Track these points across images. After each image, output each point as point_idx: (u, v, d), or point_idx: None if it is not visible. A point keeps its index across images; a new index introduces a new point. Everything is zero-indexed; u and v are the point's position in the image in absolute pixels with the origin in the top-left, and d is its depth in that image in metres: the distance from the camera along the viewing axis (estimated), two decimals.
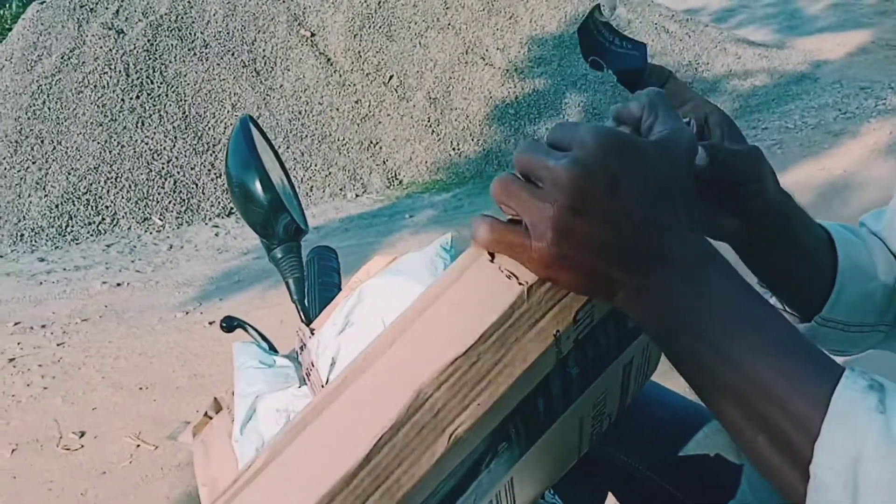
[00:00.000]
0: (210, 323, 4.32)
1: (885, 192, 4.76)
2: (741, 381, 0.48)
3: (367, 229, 5.99)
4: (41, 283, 5.30)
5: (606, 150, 0.50)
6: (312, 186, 6.80)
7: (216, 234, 6.20)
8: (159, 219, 6.37)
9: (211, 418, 0.98)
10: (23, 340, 4.26)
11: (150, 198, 6.51)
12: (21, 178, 6.52)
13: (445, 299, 0.55)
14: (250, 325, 1.07)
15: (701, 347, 0.50)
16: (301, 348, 0.87)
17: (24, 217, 6.29)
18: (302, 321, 0.94)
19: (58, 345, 4.19)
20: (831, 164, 5.54)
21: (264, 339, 1.04)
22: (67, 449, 3.23)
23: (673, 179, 0.52)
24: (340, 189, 6.84)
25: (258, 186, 0.93)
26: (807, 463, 0.45)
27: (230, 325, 1.07)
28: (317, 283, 1.05)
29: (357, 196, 6.81)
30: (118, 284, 5.16)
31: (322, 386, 0.80)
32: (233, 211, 6.48)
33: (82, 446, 3.24)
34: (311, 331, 0.88)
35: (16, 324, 4.50)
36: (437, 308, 0.55)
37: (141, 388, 3.67)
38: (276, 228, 0.95)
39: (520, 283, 0.53)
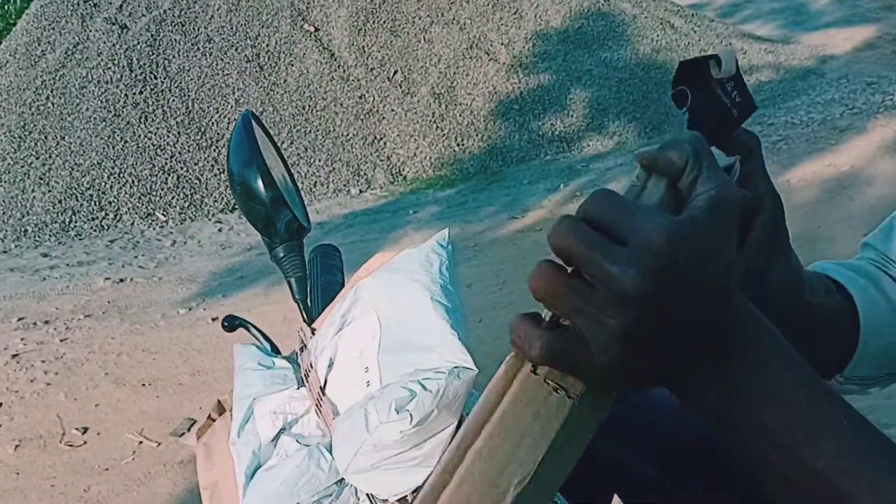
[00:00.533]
0: (213, 319, 4.31)
1: (891, 189, 4.73)
2: (809, 479, 0.47)
3: (371, 225, 5.98)
4: (44, 278, 5.29)
5: (677, 251, 0.44)
6: (316, 182, 6.79)
7: (219, 230, 6.20)
8: (162, 214, 6.37)
9: (214, 420, 0.96)
10: (26, 336, 4.25)
11: (154, 193, 6.51)
12: (24, 174, 6.52)
13: (494, 427, 0.50)
14: (252, 325, 1.05)
15: (762, 440, 0.48)
16: (301, 349, 0.86)
17: (27, 212, 6.29)
18: (304, 321, 0.92)
19: (61, 341, 4.18)
20: (837, 160, 5.51)
21: (266, 339, 1.03)
22: (70, 445, 3.22)
23: (727, 249, 0.47)
24: (344, 185, 6.83)
25: (260, 184, 0.91)
26: None
27: (232, 324, 1.06)
28: (319, 282, 1.03)
29: (361, 192, 6.79)
30: (121, 280, 5.16)
31: (320, 387, 0.78)
32: (236, 207, 6.48)
33: (85, 442, 3.24)
34: (313, 330, 0.87)
35: (19, 319, 4.50)
36: (487, 439, 0.50)
37: (144, 385, 3.66)
38: (279, 226, 0.94)
39: (570, 397, 0.49)
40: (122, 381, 3.72)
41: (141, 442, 3.20)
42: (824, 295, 0.74)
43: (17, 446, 3.21)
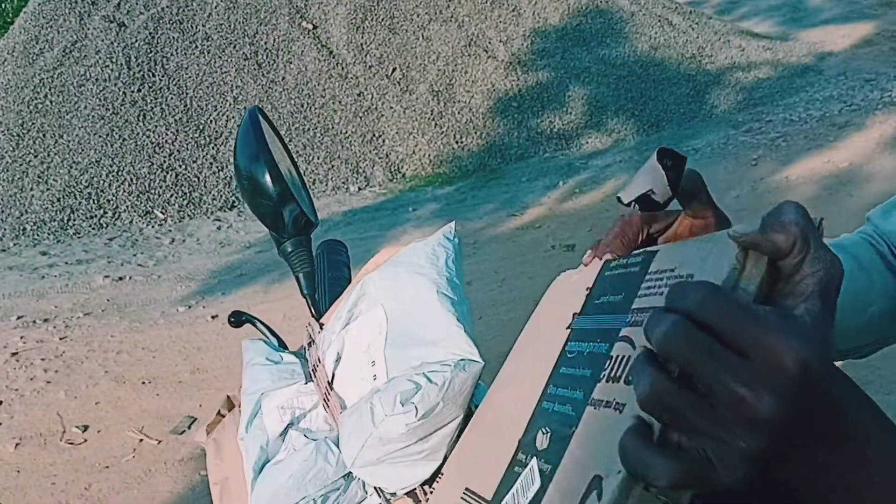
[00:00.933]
0: (213, 317, 4.31)
1: (890, 185, 4.73)
2: None
3: (370, 223, 5.97)
4: (43, 276, 5.29)
5: (809, 371, 0.41)
6: (315, 180, 6.78)
7: (218, 228, 6.19)
8: (161, 212, 6.36)
9: (223, 416, 0.96)
10: (26, 334, 4.25)
11: (152, 191, 6.50)
12: (23, 172, 6.51)
13: None
14: (259, 321, 1.05)
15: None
16: (309, 344, 0.85)
17: (26, 211, 6.28)
18: (312, 316, 0.92)
19: (60, 339, 4.18)
20: (836, 157, 5.51)
21: (273, 334, 1.03)
22: (71, 443, 3.22)
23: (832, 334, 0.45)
24: (343, 182, 6.83)
25: (268, 179, 0.91)
26: None
27: (238, 319, 1.05)
28: (326, 278, 1.03)
29: (360, 189, 6.79)
30: (120, 278, 5.15)
31: (328, 382, 0.78)
32: (235, 204, 6.47)
33: (85, 440, 3.23)
34: (321, 325, 0.87)
35: (19, 318, 4.49)
36: None
37: (144, 383, 3.66)
38: (286, 221, 0.93)
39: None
40: (122, 379, 3.71)
41: (141, 440, 3.20)
42: None
43: (17, 444, 3.20)
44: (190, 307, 4.55)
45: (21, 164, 6.56)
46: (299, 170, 1.02)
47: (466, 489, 0.68)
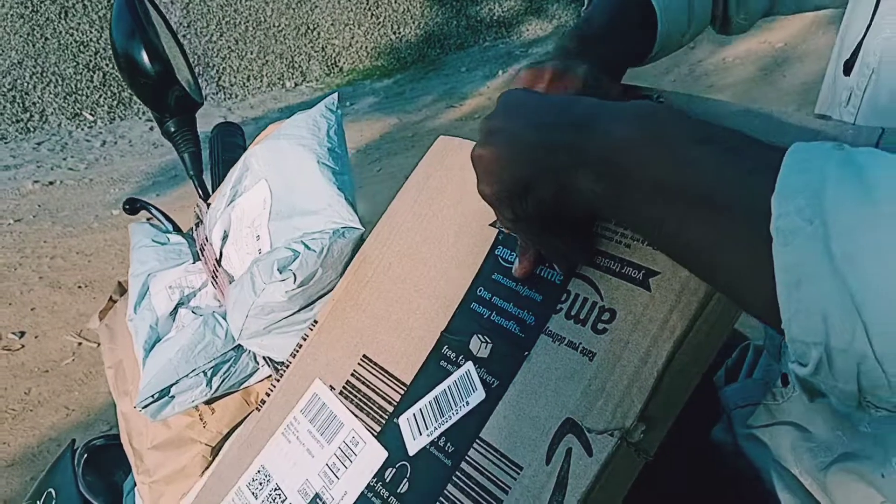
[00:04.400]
0: (147, 220, 4.23)
1: (822, 64, 4.76)
2: (693, 208, 0.44)
3: None
4: None
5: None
6: (249, 76, 6.59)
7: (150, 129, 6.01)
8: (90, 114, 6.14)
9: (115, 302, 0.96)
10: None
11: (80, 92, 6.26)
12: None
13: None
14: (153, 206, 1.03)
15: (649, 187, 0.47)
16: (197, 224, 0.84)
17: None
18: (199, 196, 0.91)
19: None
20: (772, 38, 5.52)
21: (168, 219, 1.01)
22: (8, 349, 3.19)
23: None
24: (279, 78, 6.64)
25: (145, 57, 0.88)
26: (767, 245, 0.39)
27: (133, 206, 1.04)
28: (220, 160, 1.02)
29: (296, 85, 6.62)
30: (51, 183, 5.01)
31: (216, 260, 0.78)
32: None
33: (23, 346, 3.21)
34: (208, 206, 0.85)
35: None
36: None
37: (80, 287, 3.61)
38: (168, 101, 0.91)
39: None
40: (58, 284, 3.66)
41: (80, 343, 3.18)
42: None
43: None
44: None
45: None
46: (184, 49, 0.98)
47: (365, 356, 0.68)
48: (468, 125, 5.22)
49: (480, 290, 0.65)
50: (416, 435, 0.62)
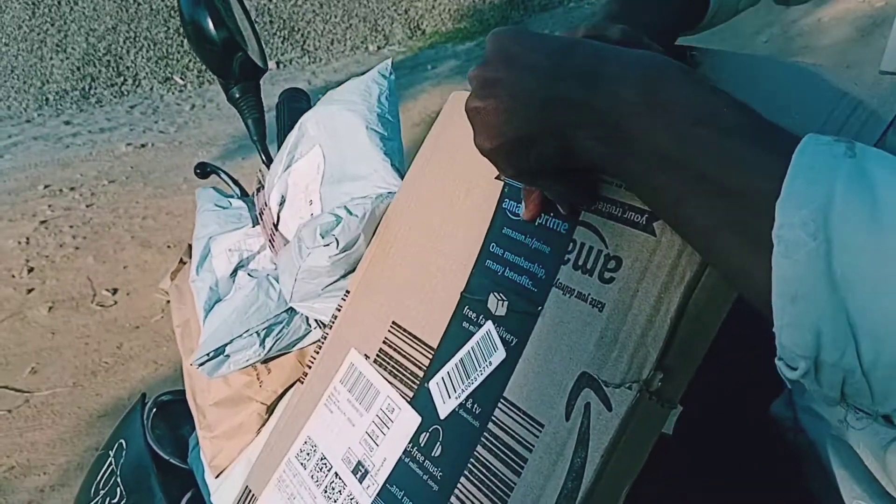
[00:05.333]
0: (235, 182, 4.35)
1: None
2: (694, 185, 0.44)
3: None
4: (68, 146, 5.34)
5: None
6: (333, 40, 6.64)
7: None
8: (180, 78, 6.31)
9: (185, 263, 0.99)
10: (53, 203, 4.34)
11: (171, 57, 6.43)
12: (41, 41, 6.46)
13: None
14: (223, 171, 1.06)
15: (650, 156, 0.46)
16: (258, 189, 0.86)
17: (47, 80, 6.27)
18: (263, 162, 0.93)
19: (87, 206, 4.26)
20: None
21: (236, 183, 1.04)
22: (101, 305, 3.34)
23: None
24: (362, 41, 6.68)
25: (210, 24, 0.90)
26: (768, 247, 0.39)
27: (204, 171, 1.07)
28: (287, 126, 1.03)
29: (379, 48, 6.65)
30: (142, 145, 5.19)
31: (274, 224, 0.79)
32: None
33: (115, 303, 3.35)
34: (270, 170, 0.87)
35: (45, 186, 4.58)
36: None
37: (169, 247, 3.75)
38: (233, 67, 0.93)
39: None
40: (148, 244, 3.80)
41: (169, 301, 3.30)
42: None
43: (50, 308, 3.34)
44: None
45: (39, 34, 6.50)
46: (249, 15, 1.00)
47: (394, 323, 0.70)
48: None
49: (493, 247, 0.65)
50: (446, 398, 0.63)
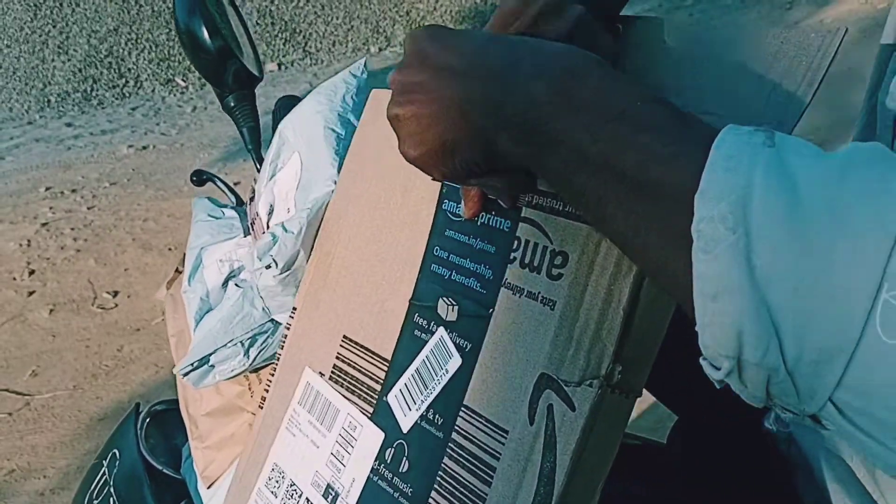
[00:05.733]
0: (235, 184, 4.34)
1: None
2: (614, 184, 0.43)
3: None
4: (69, 147, 5.35)
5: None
6: (335, 41, 6.65)
7: None
8: (182, 80, 6.32)
9: (180, 272, 0.99)
10: (54, 205, 4.35)
11: (172, 59, 6.44)
12: (43, 43, 6.47)
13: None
14: (218, 178, 1.06)
15: (568, 155, 0.45)
16: (251, 199, 0.86)
17: (49, 82, 6.28)
18: (257, 170, 0.93)
19: (88, 208, 4.27)
20: None
21: (232, 192, 1.04)
22: (102, 308, 3.34)
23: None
24: (363, 43, 6.68)
25: (205, 32, 0.90)
26: (687, 242, 0.38)
27: (200, 178, 1.07)
28: None
29: (380, 50, 6.65)
30: (144, 147, 5.19)
31: (263, 232, 0.79)
32: None
33: (116, 305, 3.35)
34: None
35: (47, 189, 4.58)
36: None
37: (170, 249, 3.75)
38: (227, 76, 0.93)
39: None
40: (149, 246, 3.81)
41: None
42: None
43: (51, 310, 3.34)
44: None
45: (40, 35, 6.51)
46: (246, 24, 1.00)
47: (345, 337, 0.68)
48: None
49: (437, 250, 0.64)
50: (406, 411, 0.62)
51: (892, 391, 0.33)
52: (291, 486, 0.67)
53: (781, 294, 0.34)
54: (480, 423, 0.56)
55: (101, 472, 0.88)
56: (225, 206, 0.90)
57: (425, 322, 0.62)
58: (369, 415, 0.64)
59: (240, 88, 0.94)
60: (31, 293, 3.49)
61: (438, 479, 0.57)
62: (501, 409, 0.54)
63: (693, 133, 0.41)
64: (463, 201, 0.60)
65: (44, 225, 4.09)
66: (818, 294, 0.33)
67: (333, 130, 0.73)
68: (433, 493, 0.57)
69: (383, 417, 0.63)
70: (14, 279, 3.62)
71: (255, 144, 0.96)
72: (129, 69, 6.39)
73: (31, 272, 3.66)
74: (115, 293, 3.43)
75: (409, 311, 0.64)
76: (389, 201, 0.68)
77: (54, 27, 6.54)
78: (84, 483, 0.94)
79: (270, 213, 0.78)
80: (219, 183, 1.05)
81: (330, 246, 0.71)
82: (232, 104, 0.94)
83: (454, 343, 0.59)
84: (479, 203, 0.59)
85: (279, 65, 6.47)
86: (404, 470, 0.60)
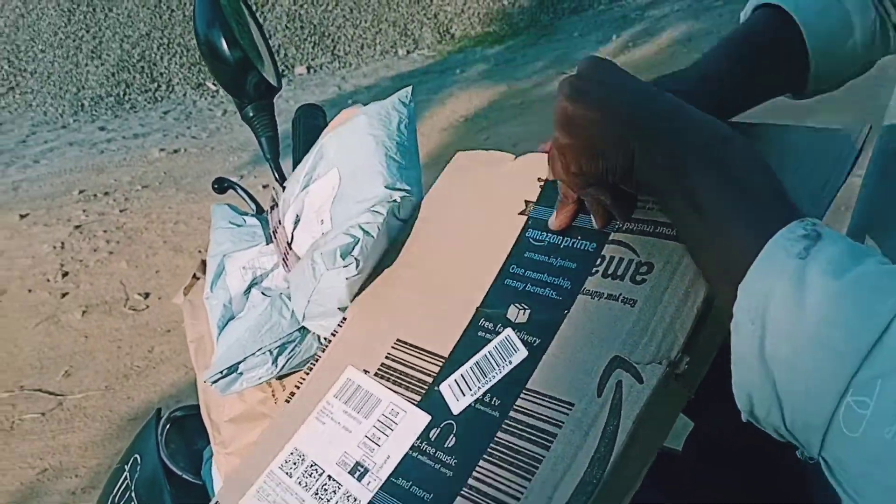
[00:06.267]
0: (264, 186, 4.39)
1: None
2: (703, 234, 0.53)
3: (418, 87, 5.89)
4: (102, 151, 5.44)
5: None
6: (363, 44, 6.68)
7: None
8: (213, 84, 6.39)
9: (198, 278, 1.00)
10: (87, 207, 4.42)
11: (203, 63, 6.51)
12: (77, 48, 6.58)
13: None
14: (239, 186, 1.07)
15: (678, 194, 0.54)
16: (272, 207, 0.88)
17: (82, 87, 6.39)
18: (276, 179, 0.94)
19: (120, 211, 4.33)
20: None
21: (252, 199, 1.05)
22: (134, 310, 3.39)
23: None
24: (391, 46, 6.71)
25: (224, 44, 0.91)
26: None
27: (221, 186, 1.08)
28: (302, 143, 1.04)
29: (408, 52, 6.67)
30: (175, 151, 5.26)
31: (287, 243, 0.80)
32: (284, 73, 6.44)
33: (147, 307, 3.40)
34: (283, 189, 0.89)
35: (80, 192, 4.66)
36: None
37: (200, 251, 3.79)
38: (246, 87, 0.94)
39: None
40: (180, 249, 3.86)
41: None
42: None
43: (84, 312, 3.40)
44: (242, 177, 4.64)
45: (74, 40, 6.63)
46: (265, 35, 1.01)
47: (398, 340, 0.70)
48: None
49: (513, 268, 0.67)
50: (460, 397, 0.62)
51: (860, 470, 0.42)
52: (312, 466, 0.66)
53: (782, 374, 0.44)
54: (544, 400, 0.58)
55: (123, 476, 0.90)
56: (245, 213, 0.91)
57: (491, 325, 0.65)
58: (416, 402, 0.65)
59: (259, 99, 0.95)
60: (64, 295, 3.55)
61: (490, 449, 0.58)
62: (569, 388, 0.57)
63: (771, 222, 0.49)
64: (556, 213, 0.66)
65: (77, 227, 4.16)
66: (805, 383, 0.43)
67: (394, 159, 0.75)
68: (481, 462, 0.58)
69: (432, 403, 0.64)
70: (48, 281, 3.69)
71: (273, 154, 0.97)
72: (161, 73, 6.47)
73: (65, 274, 3.73)
74: (147, 295, 3.48)
75: (476, 316, 0.66)
76: (467, 234, 0.73)
77: (88, 32, 6.65)
78: (107, 487, 0.96)
79: (296, 222, 0.79)
80: (239, 190, 1.06)
81: (401, 260, 0.76)
82: (251, 114, 0.96)
83: (522, 339, 0.62)
84: (571, 217, 0.66)
85: (308, 68, 6.52)
86: (450, 445, 0.61)
